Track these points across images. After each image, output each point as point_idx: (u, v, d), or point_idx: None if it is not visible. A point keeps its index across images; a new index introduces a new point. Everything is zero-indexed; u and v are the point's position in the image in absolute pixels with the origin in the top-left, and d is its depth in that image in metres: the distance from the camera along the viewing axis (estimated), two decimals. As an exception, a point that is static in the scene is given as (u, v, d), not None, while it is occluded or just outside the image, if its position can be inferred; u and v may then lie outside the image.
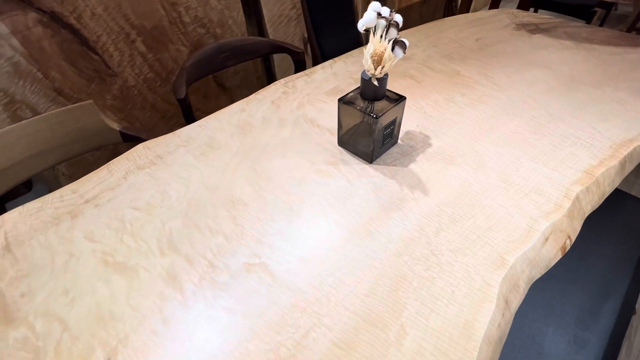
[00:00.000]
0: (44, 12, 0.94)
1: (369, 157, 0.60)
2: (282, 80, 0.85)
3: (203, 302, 0.43)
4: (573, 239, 0.51)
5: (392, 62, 0.49)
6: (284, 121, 0.72)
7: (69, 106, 0.83)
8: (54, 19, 0.96)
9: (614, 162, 0.59)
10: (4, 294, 0.44)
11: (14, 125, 0.78)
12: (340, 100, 0.57)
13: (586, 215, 0.55)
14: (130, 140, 0.90)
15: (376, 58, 0.50)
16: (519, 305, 0.44)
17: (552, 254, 0.48)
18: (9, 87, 0.96)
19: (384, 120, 0.55)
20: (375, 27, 0.50)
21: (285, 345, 0.38)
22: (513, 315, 0.43)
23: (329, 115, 0.73)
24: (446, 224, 0.50)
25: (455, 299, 0.42)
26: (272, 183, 0.58)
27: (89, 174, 0.61)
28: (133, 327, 0.40)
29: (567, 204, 0.52)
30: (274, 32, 1.50)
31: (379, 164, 0.61)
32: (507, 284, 0.44)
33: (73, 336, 0.40)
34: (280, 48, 1.10)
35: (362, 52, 0.97)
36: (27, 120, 0.80)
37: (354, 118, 0.58)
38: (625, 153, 0.61)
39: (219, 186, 0.58)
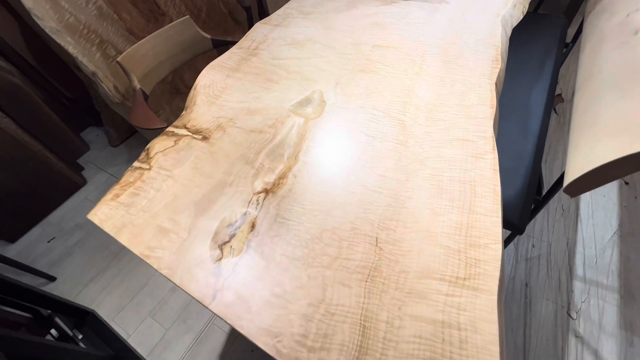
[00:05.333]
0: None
1: (409, -5, 1.00)
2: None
3: (362, 60, 0.81)
4: (526, 10, 0.97)
5: None
6: (340, -4, 1.08)
7: (173, 22, 1.10)
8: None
9: (537, -28, 1.05)
10: (260, 97, 0.78)
11: (142, 40, 1.04)
12: (387, -41, 0.95)
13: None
14: (219, 45, 1.19)
15: None
16: (510, 33, 0.89)
17: (518, 13, 0.93)
18: (98, 28, 1.19)
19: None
20: None
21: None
22: (509, 35, 0.88)
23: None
24: (464, 12, 0.93)
25: (481, 27, 0.85)
26: (366, 16, 0.95)
27: (240, 40, 0.93)
28: (349, 69, 0.78)
29: (520, -9, 0.97)
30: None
31: (414, -1, 1.01)
32: (504, 22, 0.87)
33: (308, 80, 0.76)
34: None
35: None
36: (148, 36, 1.06)
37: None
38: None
39: (332, 26, 0.94)
